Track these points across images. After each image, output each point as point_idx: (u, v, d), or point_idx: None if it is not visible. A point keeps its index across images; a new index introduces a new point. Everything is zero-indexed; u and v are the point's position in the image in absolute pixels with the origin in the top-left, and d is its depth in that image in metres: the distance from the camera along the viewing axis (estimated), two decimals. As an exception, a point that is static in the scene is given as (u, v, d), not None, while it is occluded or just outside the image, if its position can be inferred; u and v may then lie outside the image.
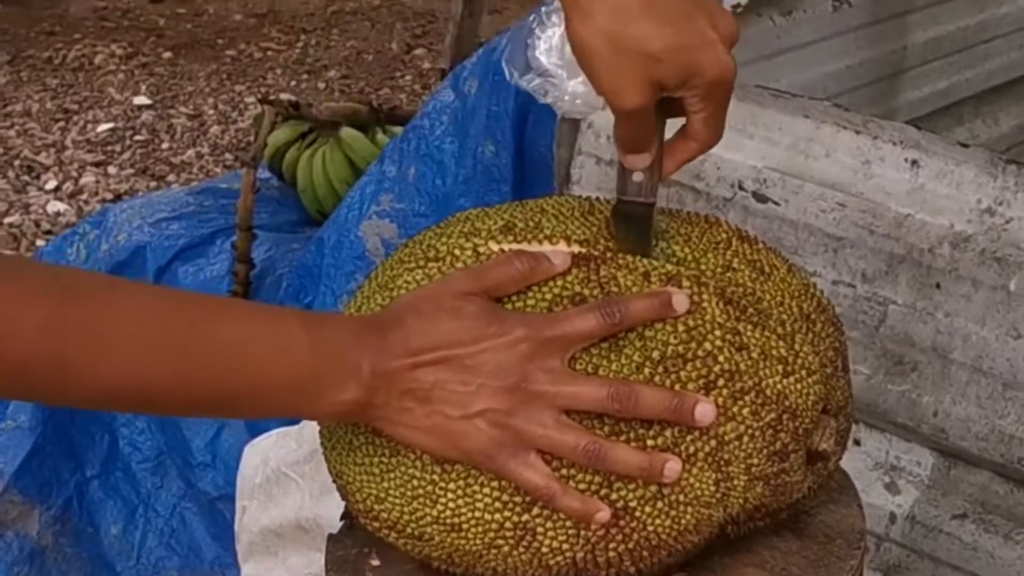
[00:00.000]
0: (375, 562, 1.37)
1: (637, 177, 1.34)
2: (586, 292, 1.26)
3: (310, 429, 2.24)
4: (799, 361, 1.30)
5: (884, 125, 2.00)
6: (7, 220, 4.66)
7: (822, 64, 2.60)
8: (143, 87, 5.57)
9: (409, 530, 1.29)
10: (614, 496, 1.23)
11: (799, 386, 1.29)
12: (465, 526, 1.26)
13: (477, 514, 1.25)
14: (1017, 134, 3.12)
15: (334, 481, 1.36)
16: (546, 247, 1.29)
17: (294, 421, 2.39)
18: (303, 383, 1.18)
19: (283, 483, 2.20)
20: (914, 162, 1.96)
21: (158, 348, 1.13)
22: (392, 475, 1.27)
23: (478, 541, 1.26)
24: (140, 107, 5.39)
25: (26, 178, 4.91)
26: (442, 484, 1.25)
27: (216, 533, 2.68)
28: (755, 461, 1.27)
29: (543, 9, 1.39)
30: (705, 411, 1.22)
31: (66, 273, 1.17)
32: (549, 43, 1.38)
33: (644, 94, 1.24)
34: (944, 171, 1.94)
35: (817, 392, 1.31)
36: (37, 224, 4.63)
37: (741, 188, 2.10)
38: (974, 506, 2.02)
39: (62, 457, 2.74)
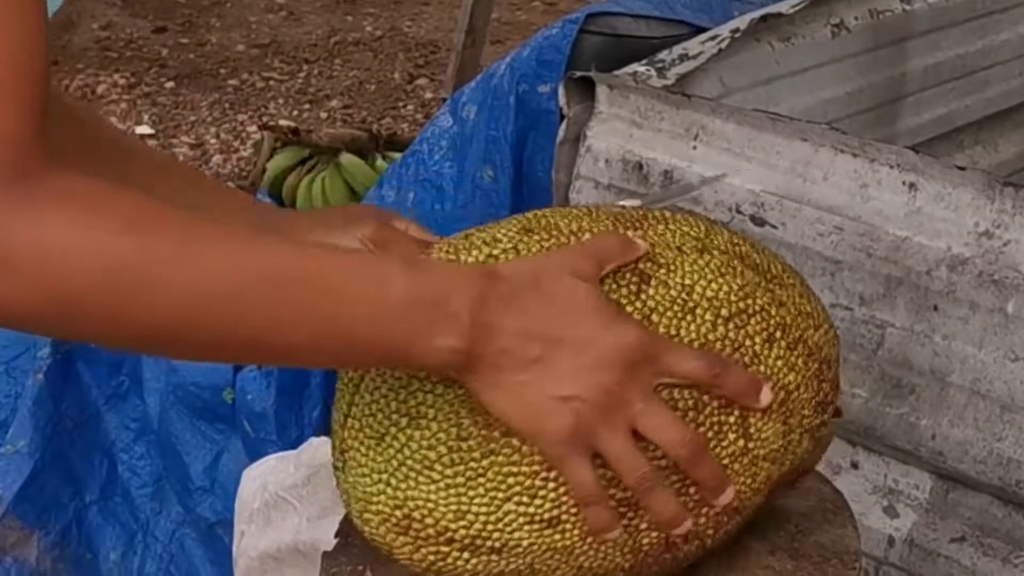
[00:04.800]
0: (370, 580, 1.38)
1: None
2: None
3: (308, 453, 2.23)
4: (820, 315, 1.37)
5: (881, 148, 2.00)
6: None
7: (821, 90, 2.60)
8: (145, 116, 5.57)
9: (490, 543, 1.26)
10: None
11: (827, 337, 1.36)
12: (564, 517, 1.25)
13: None
14: (1017, 161, 3.13)
15: (390, 520, 1.29)
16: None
17: (292, 445, 2.39)
18: (403, 325, 1.15)
19: (281, 507, 2.19)
20: (912, 185, 1.96)
21: (253, 291, 1.09)
22: (482, 479, 1.24)
23: (576, 532, 1.25)
24: (143, 136, 5.40)
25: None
26: (544, 474, 1.23)
27: (214, 558, 2.67)
28: (806, 412, 1.32)
29: None
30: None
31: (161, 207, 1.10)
32: None
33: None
34: (941, 194, 1.94)
35: (836, 344, 1.38)
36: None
37: (739, 211, 2.11)
38: (973, 529, 2.01)
39: (61, 482, 2.73)
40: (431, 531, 1.27)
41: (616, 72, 2.30)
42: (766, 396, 1.26)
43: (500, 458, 1.24)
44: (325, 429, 2.56)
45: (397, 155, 2.88)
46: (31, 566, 2.69)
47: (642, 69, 2.33)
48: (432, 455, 1.25)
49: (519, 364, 1.17)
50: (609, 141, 2.26)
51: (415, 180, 2.56)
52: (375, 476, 1.28)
